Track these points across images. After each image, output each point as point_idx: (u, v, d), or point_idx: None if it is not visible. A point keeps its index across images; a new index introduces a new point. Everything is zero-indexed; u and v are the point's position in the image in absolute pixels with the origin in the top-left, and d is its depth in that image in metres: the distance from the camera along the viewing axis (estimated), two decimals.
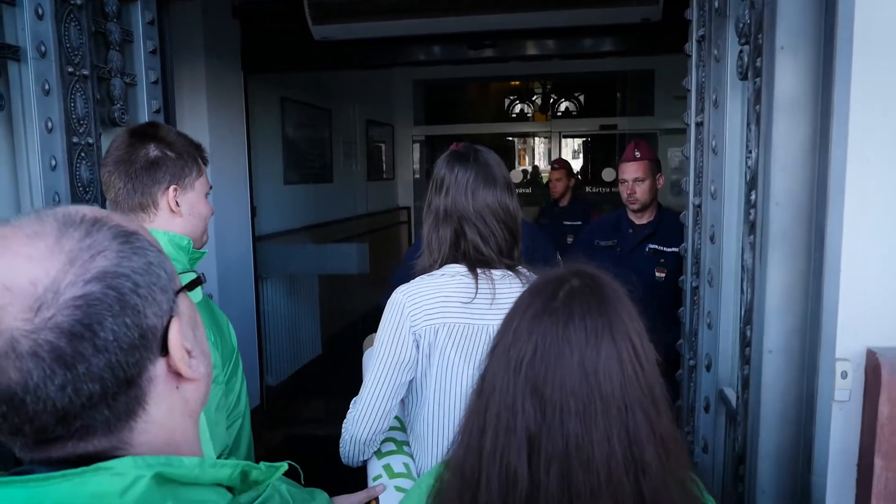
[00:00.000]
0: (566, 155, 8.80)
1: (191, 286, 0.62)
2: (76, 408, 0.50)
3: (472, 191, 1.49)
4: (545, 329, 0.84)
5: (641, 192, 2.81)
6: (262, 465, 0.62)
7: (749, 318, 1.36)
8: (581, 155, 12.92)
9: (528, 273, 1.54)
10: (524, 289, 1.57)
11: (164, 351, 0.56)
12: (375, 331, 1.55)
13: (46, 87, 1.95)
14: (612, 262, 2.91)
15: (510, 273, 1.52)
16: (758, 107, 1.30)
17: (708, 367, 1.73)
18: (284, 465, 0.66)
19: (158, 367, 0.56)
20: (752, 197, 1.33)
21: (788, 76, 1.23)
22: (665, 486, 0.81)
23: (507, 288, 1.50)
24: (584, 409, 0.80)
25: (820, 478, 1.22)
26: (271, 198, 4.90)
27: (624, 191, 2.86)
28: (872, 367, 1.13)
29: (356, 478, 1.61)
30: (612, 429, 0.80)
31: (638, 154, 2.84)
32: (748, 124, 1.37)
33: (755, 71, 1.33)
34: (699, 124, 1.77)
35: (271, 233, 4.79)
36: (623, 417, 0.80)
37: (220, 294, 3.82)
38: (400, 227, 7.66)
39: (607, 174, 7.24)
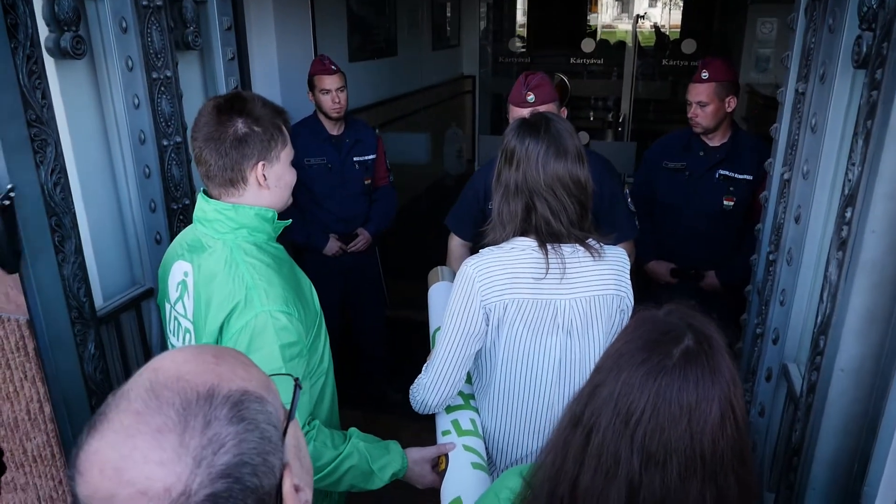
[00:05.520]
0: (656, 10, 7.93)
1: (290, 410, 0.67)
2: None
3: (543, 164, 1.48)
4: (659, 389, 0.86)
5: (703, 116, 2.63)
6: None
7: (825, 329, 1.36)
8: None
9: (598, 246, 1.55)
10: (595, 263, 1.60)
11: (279, 501, 0.62)
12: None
13: (123, 24, 1.93)
14: (680, 186, 2.84)
15: (580, 248, 1.53)
16: (869, 122, 1.21)
17: (775, 341, 1.75)
18: None
19: None
20: (847, 214, 1.28)
21: None
22: None
23: (576, 263, 1.53)
24: (685, 468, 0.85)
25: (871, 488, 1.29)
26: None
27: (689, 111, 2.69)
28: None
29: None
30: (706, 487, 0.86)
31: (705, 75, 2.59)
32: (855, 135, 1.28)
33: (877, 59, 1.20)
34: (800, 93, 1.64)
35: None
36: (717, 477, 0.86)
37: None
38: (464, 98, 7.45)
39: (687, 45, 6.70)
